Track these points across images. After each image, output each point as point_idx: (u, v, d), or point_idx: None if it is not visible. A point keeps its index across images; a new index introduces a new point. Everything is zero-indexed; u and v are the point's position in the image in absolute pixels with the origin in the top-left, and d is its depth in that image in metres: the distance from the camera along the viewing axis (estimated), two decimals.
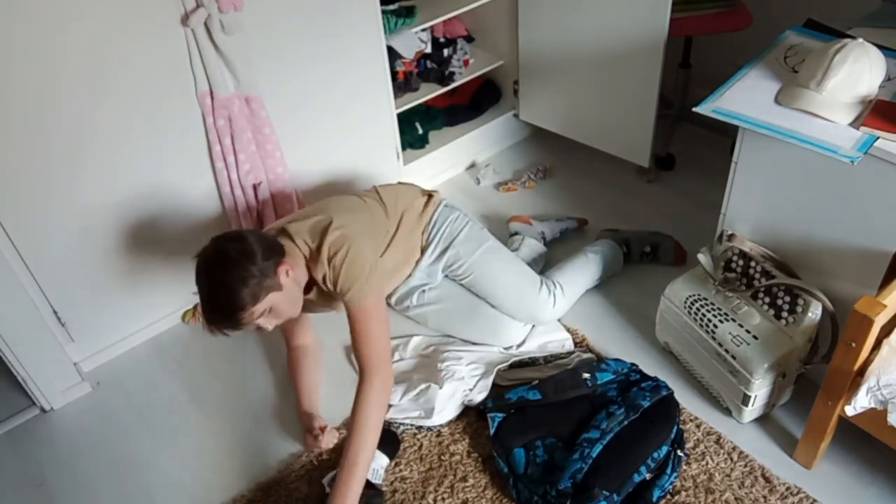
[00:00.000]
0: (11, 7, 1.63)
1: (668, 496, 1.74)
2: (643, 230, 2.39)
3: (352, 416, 1.70)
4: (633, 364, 1.95)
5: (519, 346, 2.10)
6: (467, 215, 2.15)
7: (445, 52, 2.69)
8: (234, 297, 1.59)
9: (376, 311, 1.76)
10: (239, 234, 1.70)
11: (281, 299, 1.68)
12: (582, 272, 2.22)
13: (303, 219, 1.83)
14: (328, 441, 1.89)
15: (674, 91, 2.86)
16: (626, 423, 1.76)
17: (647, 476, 1.70)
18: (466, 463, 1.86)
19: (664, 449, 1.73)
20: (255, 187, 2.17)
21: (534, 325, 2.14)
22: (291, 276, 1.71)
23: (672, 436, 1.77)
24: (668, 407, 1.83)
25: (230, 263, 1.60)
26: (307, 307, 1.89)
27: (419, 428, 1.94)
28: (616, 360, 1.96)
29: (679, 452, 1.77)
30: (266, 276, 1.63)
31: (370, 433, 1.69)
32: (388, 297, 2.21)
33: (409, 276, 2.14)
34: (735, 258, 1.88)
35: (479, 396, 1.96)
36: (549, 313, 2.12)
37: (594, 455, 1.69)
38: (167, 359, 2.25)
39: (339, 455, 1.87)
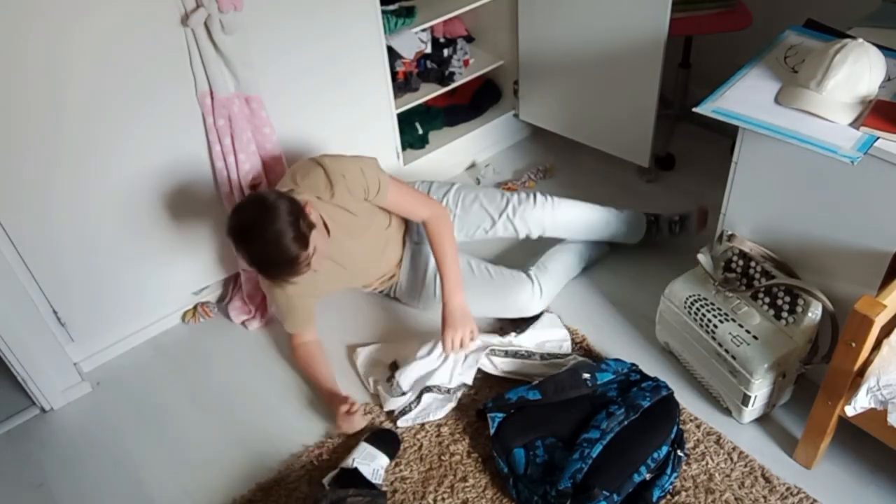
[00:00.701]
0: (11, 8, 1.63)
1: (668, 496, 1.74)
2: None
3: (433, 245, 2.03)
4: (633, 364, 1.95)
5: (518, 333, 2.09)
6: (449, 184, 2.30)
7: (445, 52, 2.69)
8: (287, 249, 1.69)
9: (394, 189, 1.98)
10: (256, 197, 1.78)
11: (319, 237, 1.78)
12: (564, 255, 2.28)
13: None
14: (360, 422, 1.91)
15: (674, 91, 2.86)
16: (626, 423, 1.76)
17: (647, 476, 1.70)
18: (466, 463, 1.86)
19: (664, 449, 1.73)
20: (254, 187, 2.17)
21: (543, 312, 2.18)
22: (315, 214, 1.80)
23: (672, 436, 1.77)
24: (668, 407, 1.83)
25: (267, 221, 1.69)
26: (330, 278, 2.03)
27: (422, 425, 1.93)
28: (616, 360, 1.96)
29: (679, 452, 1.77)
30: (301, 219, 1.72)
31: (450, 244, 2.03)
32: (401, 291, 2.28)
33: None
34: (735, 258, 1.88)
35: (468, 372, 1.98)
36: (530, 299, 2.14)
37: (594, 455, 1.69)
38: (167, 359, 2.25)
39: (339, 455, 1.88)
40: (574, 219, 2.27)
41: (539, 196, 2.25)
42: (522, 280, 2.16)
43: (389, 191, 1.96)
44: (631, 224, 2.34)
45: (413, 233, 2.25)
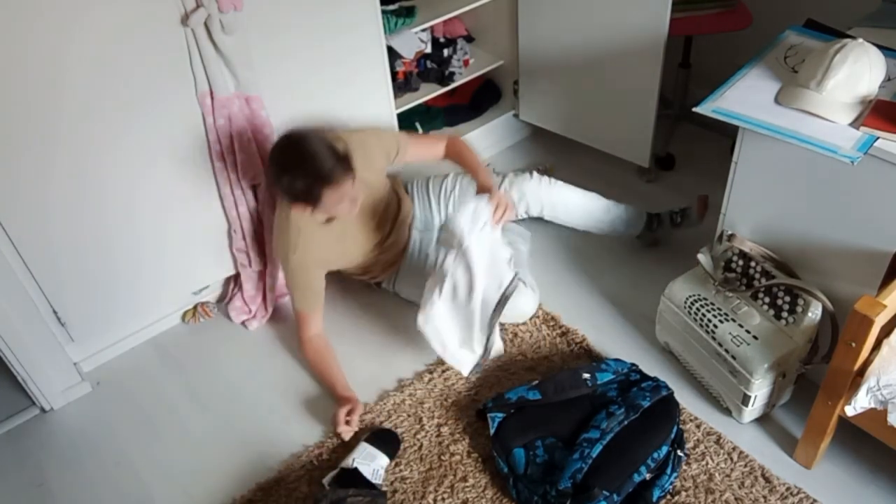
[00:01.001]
0: (11, 8, 1.62)
1: (668, 496, 1.74)
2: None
3: (460, 159, 2.13)
4: (633, 364, 1.95)
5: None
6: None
7: (445, 52, 2.69)
8: (335, 150, 1.79)
9: (409, 140, 2.12)
10: (294, 131, 1.83)
11: (357, 178, 1.84)
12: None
13: None
14: (350, 432, 1.92)
15: (674, 91, 2.86)
16: (626, 423, 1.76)
17: (647, 476, 1.70)
18: (466, 463, 1.86)
19: (664, 449, 1.73)
20: (254, 187, 2.17)
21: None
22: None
23: (672, 436, 1.77)
24: (668, 407, 1.83)
25: (314, 138, 1.79)
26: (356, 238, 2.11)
27: (421, 425, 1.93)
28: (616, 360, 1.96)
29: (679, 452, 1.77)
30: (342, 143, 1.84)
31: (473, 155, 2.13)
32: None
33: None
34: (735, 258, 1.88)
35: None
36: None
37: (594, 455, 1.69)
38: (167, 359, 2.25)
39: (339, 455, 1.88)
40: (572, 200, 2.30)
41: (536, 174, 2.32)
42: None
43: (409, 144, 2.09)
44: (630, 213, 2.35)
45: (418, 220, 2.28)
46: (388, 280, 2.31)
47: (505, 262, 2.00)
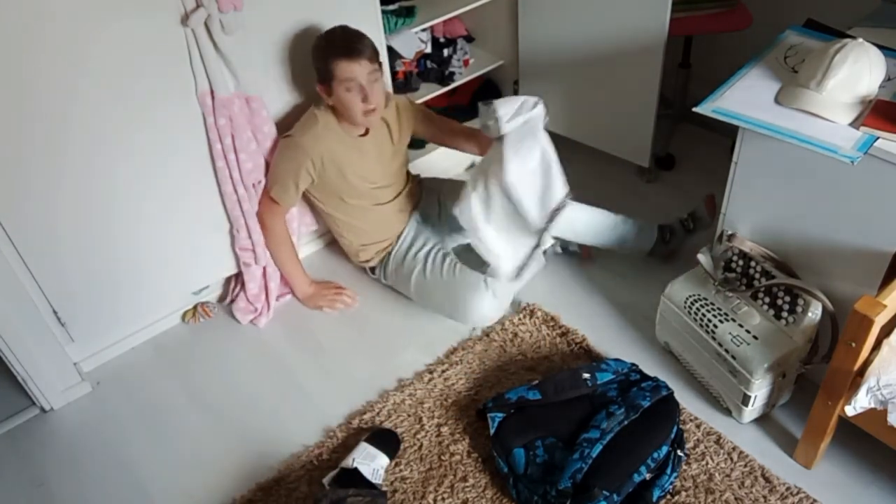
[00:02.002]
0: (8, 8, 1.62)
1: (668, 496, 1.74)
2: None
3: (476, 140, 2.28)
4: (633, 364, 1.95)
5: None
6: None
7: (445, 52, 2.69)
8: (368, 38, 2.01)
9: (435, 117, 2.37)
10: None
11: (377, 83, 2.02)
12: None
13: None
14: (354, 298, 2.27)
15: (674, 91, 2.86)
16: (626, 423, 1.76)
17: (647, 476, 1.70)
18: (466, 463, 1.86)
19: (664, 449, 1.73)
20: (255, 186, 2.17)
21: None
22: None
23: (672, 436, 1.77)
24: (668, 407, 1.83)
25: (355, 29, 2.03)
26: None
27: (421, 425, 1.93)
28: (616, 360, 1.96)
29: (679, 452, 1.77)
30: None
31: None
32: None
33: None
34: (735, 258, 1.88)
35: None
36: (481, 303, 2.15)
37: (594, 455, 1.69)
38: (167, 359, 2.25)
39: (339, 455, 1.88)
40: (579, 218, 2.25)
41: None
42: (478, 285, 2.13)
43: (433, 116, 2.34)
44: (641, 228, 2.30)
45: (419, 212, 2.36)
46: (380, 268, 2.33)
47: (558, 171, 2.03)
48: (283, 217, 2.23)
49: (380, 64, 2.05)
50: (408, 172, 2.38)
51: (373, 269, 2.37)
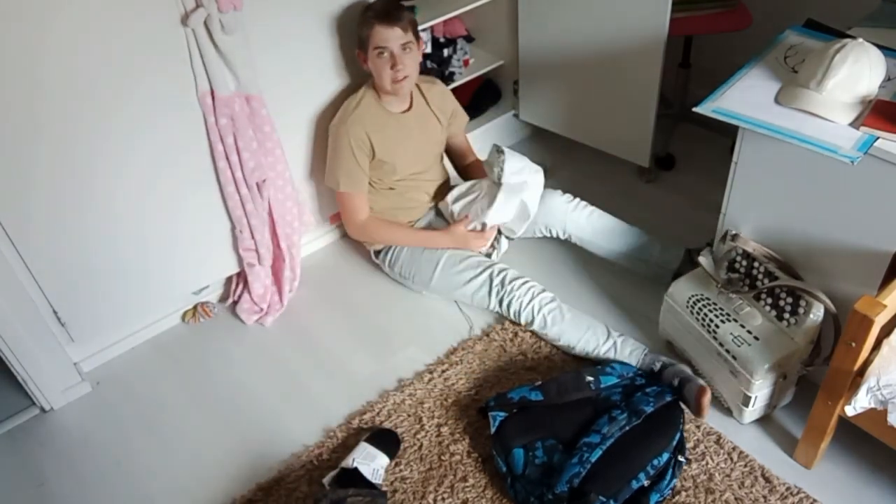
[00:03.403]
0: (10, 9, 1.62)
1: (668, 497, 1.74)
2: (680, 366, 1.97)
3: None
4: (638, 368, 1.94)
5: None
6: None
7: (445, 52, 2.69)
8: (409, 10, 2.10)
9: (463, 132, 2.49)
10: None
11: (413, 54, 2.10)
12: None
13: None
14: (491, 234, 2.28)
15: (674, 91, 2.86)
16: (627, 428, 1.75)
17: (646, 483, 1.69)
18: (466, 463, 1.86)
19: (665, 456, 1.72)
20: (258, 185, 2.17)
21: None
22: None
23: (674, 443, 1.75)
24: (672, 413, 1.82)
25: None
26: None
27: (421, 425, 1.93)
28: (622, 363, 1.95)
29: (680, 458, 1.76)
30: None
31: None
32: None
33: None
34: (739, 258, 1.88)
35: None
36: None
37: (593, 460, 1.68)
38: (167, 359, 2.25)
39: (339, 455, 1.88)
40: (599, 222, 2.29)
41: (567, 194, 2.38)
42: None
43: (463, 129, 2.45)
44: (666, 252, 2.23)
45: (440, 203, 2.38)
46: (384, 252, 2.36)
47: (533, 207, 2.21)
48: (366, 206, 2.26)
49: (417, 38, 2.11)
50: (443, 168, 2.45)
51: (377, 253, 2.38)
